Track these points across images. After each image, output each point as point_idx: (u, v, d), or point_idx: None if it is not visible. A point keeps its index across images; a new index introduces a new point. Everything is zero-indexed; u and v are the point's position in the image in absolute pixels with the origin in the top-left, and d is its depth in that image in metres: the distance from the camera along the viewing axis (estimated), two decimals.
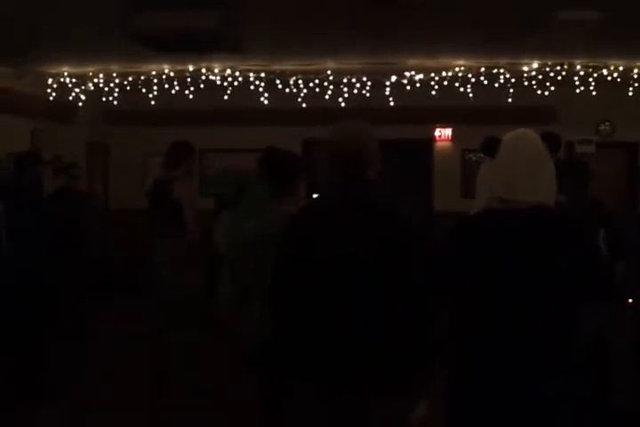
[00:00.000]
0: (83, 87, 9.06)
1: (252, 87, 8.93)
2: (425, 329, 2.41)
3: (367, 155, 2.54)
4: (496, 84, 8.77)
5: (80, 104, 9.42)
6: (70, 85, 8.97)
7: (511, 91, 8.91)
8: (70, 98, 9.17)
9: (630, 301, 4.42)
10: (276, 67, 8.55)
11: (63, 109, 9.26)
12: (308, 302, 2.46)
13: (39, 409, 5.03)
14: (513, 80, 8.66)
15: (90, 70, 8.74)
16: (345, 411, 2.39)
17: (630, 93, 8.87)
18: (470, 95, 9.02)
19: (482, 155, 7.04)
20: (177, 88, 9.08)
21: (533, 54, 7.92)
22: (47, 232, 5.65)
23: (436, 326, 2.46)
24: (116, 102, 9.51)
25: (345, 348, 2.38)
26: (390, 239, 2.41)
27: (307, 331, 2.46)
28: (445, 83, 8.75)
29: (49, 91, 8.84)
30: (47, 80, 8.82)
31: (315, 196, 3.48)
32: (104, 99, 9.48)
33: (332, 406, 2.40)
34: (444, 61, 8.30)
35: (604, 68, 8.39)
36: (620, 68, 8.39)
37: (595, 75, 8.50)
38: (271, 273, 2.65)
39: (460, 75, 8.51)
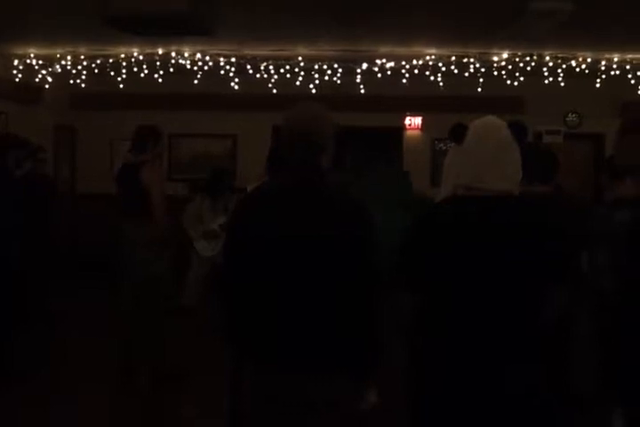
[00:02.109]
0: (50, 69, 8.89)
1: (222, 72, 8.85)
2: (376, 316, 2.41)
3: (320, 140, 2.51)
4: (466, 74, 8.81)
5: (47, 86, 9.26)
6: (37, 67, 8.80)
7: (481, 80, 8.96)
8: (37, 80, 9.01)
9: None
10: (247, 52, 8.48)
11: (29, 91, 9.10)
12: (256, 282, 2.44)
13: (5, 395, 4.98)
14: (483, 70, 8.70)
15: (57, 52, 8.57)
16: (295, 393, 2.39)
17: (598, 85, 8.97)
18: (441, 84, 9.05)
19: (452, 143, 7.07)
20: (146, 71, 8.96)
21: (504, 44, 7.96)
22: (13, 217, 5.58)
23: (388, 317, 2.47)
24: (83, 85, 9.36)
25: (294, 329, 2.38)
26: (340, 225, 2.39)
27: (255, 310, 2.45)
28: (416, 71, 8.77)
29: (15, 72, 8.67)
30: (13, 61, 8.64)
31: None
32: (71, 81, 9.32)
33: (281, 387, 2.41)
34: (415, 50, 8.30)
35: (573, 59, 8.47)
36: (589, 60, 8.48)
37: (563, 66, 8.58)
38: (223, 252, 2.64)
39: (430, 63, 8.52)
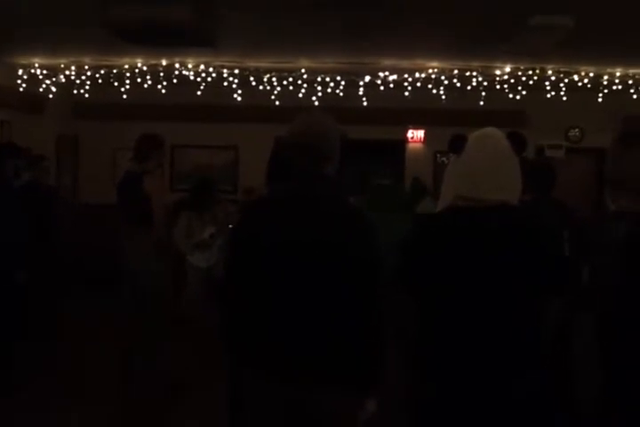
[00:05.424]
0: (54, 79, 8.94)
1: (225, 84, 8.88)
2: (377, 327, 2.40)
3: (325, 148, 2.51)
4: (469, 87, 8.84)
5: (50, 96, 9.29)
6: (41, 77, 8.83)
7: (483, 94, 8.99)
8: (41, 90, 9.04)
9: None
10: (250, 64, 8.51)
11: (33, 101, 9.12)
12: (257, 292, 2.44)
13: (8, 406, 4.96)
14: (485, 83, 8.73)
15: (61, 62, 8.61)
16: (295, 404, 2.38)
17: (600, 100, 8.99)
18: (443, 97, 9.08)
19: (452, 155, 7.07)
20: (149, 82, 8.99)
21: (506, 58, 7.98)
22: (11, 227, 5.56)
23: (387, 325, 2.46)
24: (87, 95, 9.41)
25: (294, 339, 2.38)
26: (340, 233, 2.38)
27: (256, 321, 2.45)
28: (419, 84, 8.80)
29: (19, 82, 8.69)
30: (17, 71, 8.68)
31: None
32: (75, 91, 9.37)
33: (282, 398, 2.39)
34: (417, 63, 8.32)
35: (575, 73, 8.49)
36: (591, 75, 8.50)
37: (566, 80, 8.60)
38: (225, 262, 2.65)
39: (433, 77, 8.54)
